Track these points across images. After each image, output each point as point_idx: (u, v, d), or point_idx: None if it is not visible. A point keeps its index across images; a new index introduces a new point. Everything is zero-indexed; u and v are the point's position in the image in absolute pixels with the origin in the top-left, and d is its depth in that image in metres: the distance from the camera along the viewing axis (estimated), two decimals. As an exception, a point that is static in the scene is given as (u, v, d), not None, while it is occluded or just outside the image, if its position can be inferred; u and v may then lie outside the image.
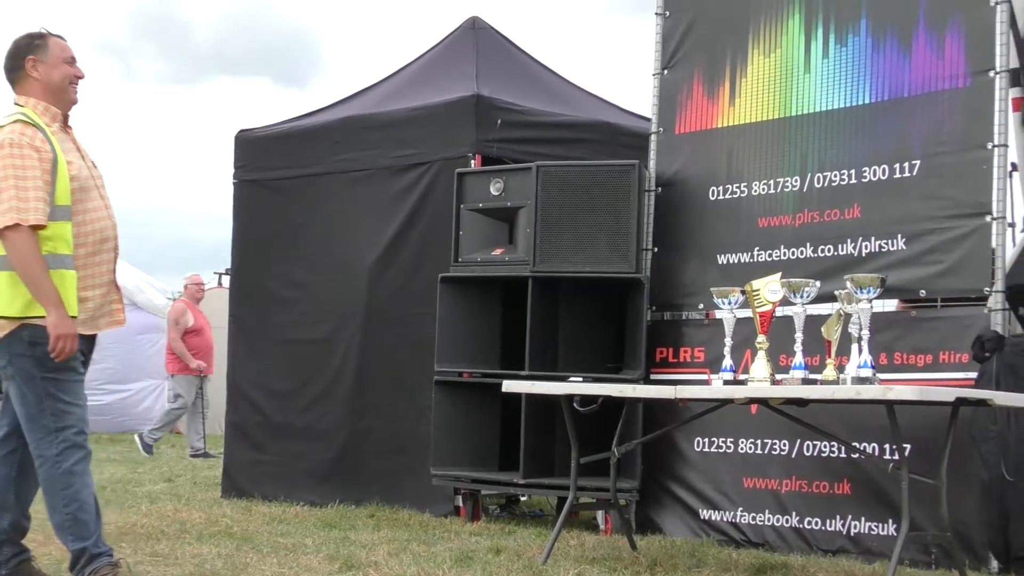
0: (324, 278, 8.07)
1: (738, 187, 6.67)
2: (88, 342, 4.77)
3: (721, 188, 6.74)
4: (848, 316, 5.24)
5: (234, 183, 8.62)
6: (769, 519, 6.27)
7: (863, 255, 6.11)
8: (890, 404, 4.78)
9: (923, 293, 5.92)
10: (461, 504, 7.21)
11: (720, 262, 6.66)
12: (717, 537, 6.40)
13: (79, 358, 4.66)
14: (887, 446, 5.77)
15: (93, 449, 4.85)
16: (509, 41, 8.79)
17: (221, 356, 9.99)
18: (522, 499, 8.23)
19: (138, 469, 10.68)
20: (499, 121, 7.48)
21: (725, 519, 6.44)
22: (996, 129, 5.75)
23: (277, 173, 8.37)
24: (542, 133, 7.69)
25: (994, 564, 5.50)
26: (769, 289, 5.32)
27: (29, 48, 4.79)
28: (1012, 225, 6.10)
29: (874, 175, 6.16)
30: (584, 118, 8.08)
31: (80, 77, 4.86)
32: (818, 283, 5.33)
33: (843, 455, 5.99)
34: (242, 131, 8.65)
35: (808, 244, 6.33)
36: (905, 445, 5.04)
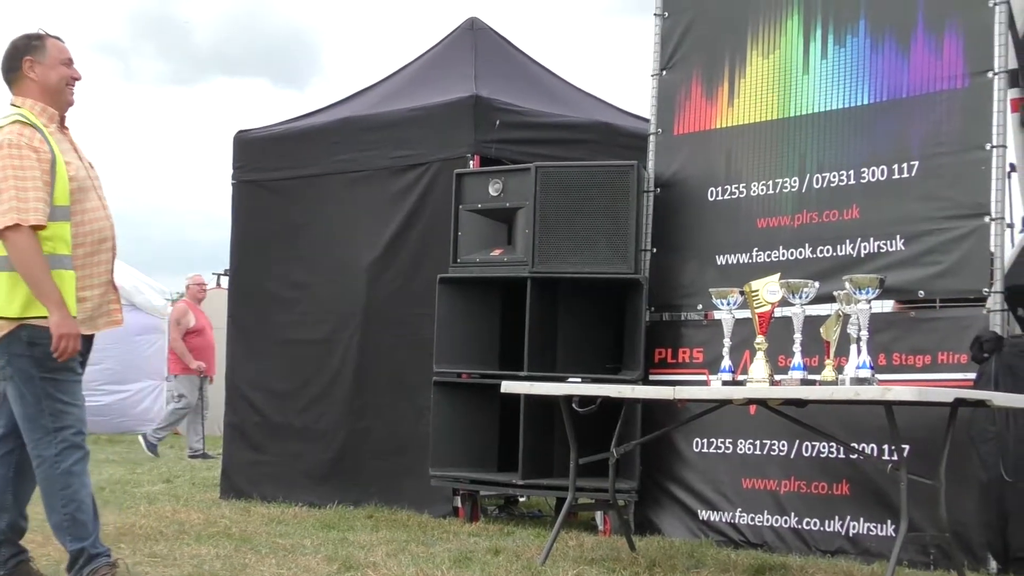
0: (323, 279, 8.07)
1: (737, 188, 6.67)
2: (86, 342, 4.77)
3: (720, 189, 6.74)
4: (847, 317, 5.24)
5: (233, 184, 8.62)
6: (768, 520, 6.27)
7: (862, 256, 6.11)
8: (889, 405, 4.78)
9: (922, 294, 5.92)
10: (460, 505, 7.21)
11: (719, 263, 6.66)
12: (716, 538, 6.40)
13: (77, 358, 4.67)
14: (886, 447, 5.77)
15: (92, 450, 4.86)
16: (508, 42, 8.79)
17: (221, 357, 9.99)
18: (521, 500, 8.23)
19: (137, 470, 10.68)
20: (498, 122, 7.48)
21: (724, 520, 6.44)
22: (995, 130, 5.75)
23: (276, 174, 8.37)
24: (541, 134, 7.70)
25: (993, 565, 5.50)
26: (768, 290, 5.32)
27: (26, 49, 4.79)
28: (1011, 226, 6.11)
29: (873, 176, 6.16)
30: (583, 119, 8.08)
31: (77, 79, 4.87)
32: (817, 284, 5.33)
33: (842, 456, 5.99)
34: (241, 132, 8.65)
35: (807, 245, 6.33)
36: (904, 446, 5.04)
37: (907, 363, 5.90)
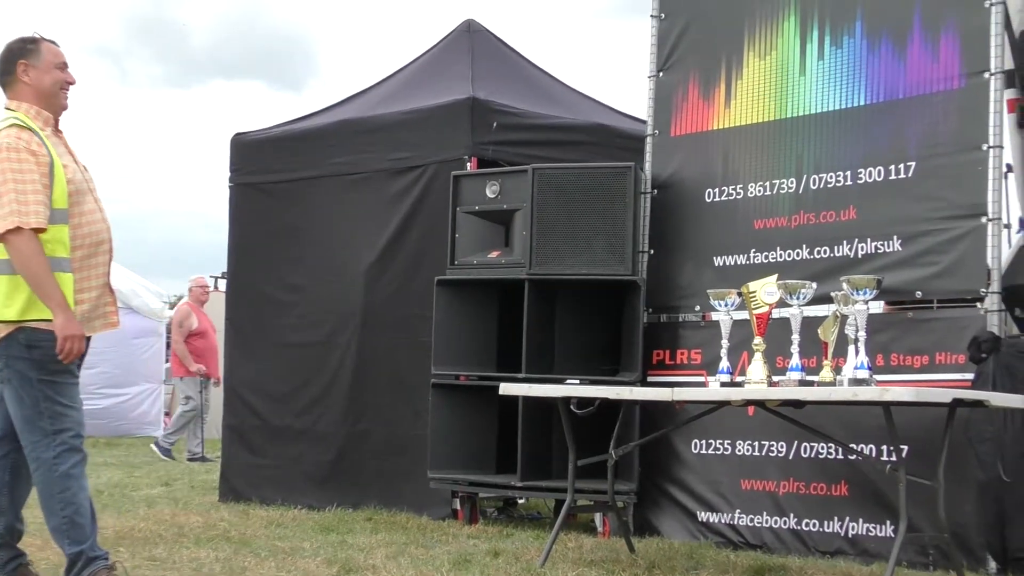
0: (321, 281, 8.07)
1: (734, 189, 6.68)
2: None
3: (717, 190, 6.75)
4: (844, 318, 5.24)
5: (230, 186, 8.63)
6: (767, 521, 6.27)
7: (859, 256, 6.12)
8: (887, 405, 4.79)
9: (919, 294, 5.92)
10: (459, 507, 7.21)
11: (716, 264, 6.67)
12: (715, 539, 6.40)
13: (76, 361, 4.67)
14: (884, 447, 5.78)
15: (90, 453, 4.85)
16: (504, 44, 8.79)
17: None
18: (520, 502, 8.23)
19: (135, 473, 10.67)
20: (495, 124, 7.49)
21: (723, 521, 6.44)
22: (991, 130, 5.76)
23: (273, 176, 8.37)
24: (538, 135, 7.70)
25: (992, 565, 5.51)
26: (765, 291, 5.32)
27: (21, 52, 4.79)
28: (1008, 226, 6.12)
29: (870, 177, 6.17)
30: (580, 120, 8.08)
31: (71, 83, 4.86)
32: (814, 285, 5.34)
33: (840, 457, 5.99)
34: (238, 134, 8.65)
35: (804, 246, 6.33)
36: (902, 446, 5.05)
37: (905, 364, 5.90)
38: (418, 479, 7.20)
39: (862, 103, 6.24)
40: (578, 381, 6.34)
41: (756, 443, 6.36)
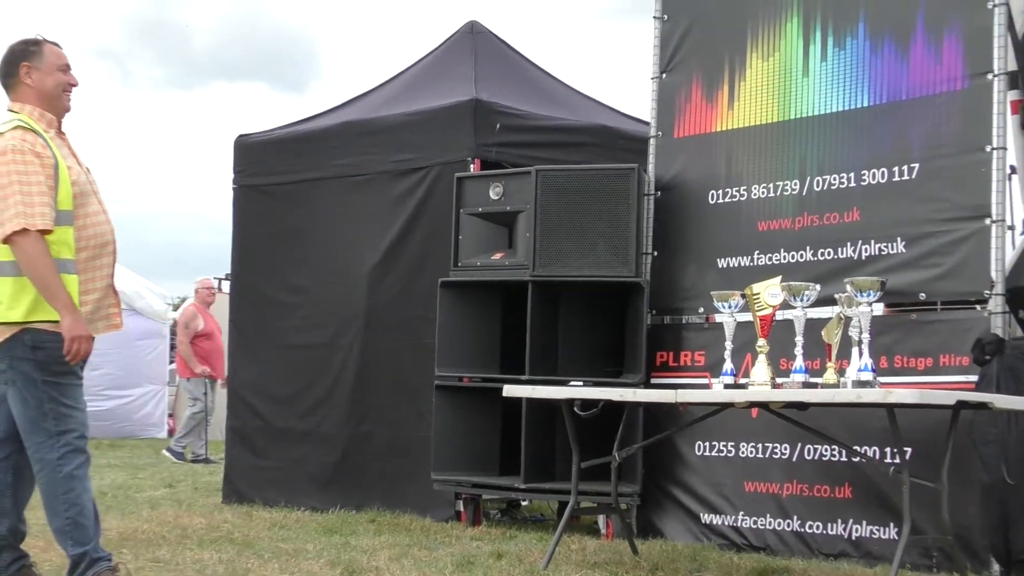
0: (324, 283, 8.07)
1: (737, 191, 6.67)
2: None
3: (720, 192, 6.74)
4: (848, 319, 5.24)
5: (233, 188, 8.63)
6: (770, 523, 6.26)
7: (863, 258, 6.11)
8: (891, 407, 4.78)
9: (923, 296, 5.92)
10: (462, 509, 7.21)
11: (720, 266, 6.66)
12: (718, 541, 6.39)
13: (80, 362, 4.67)
14: (888, 449, 5.77)
15: (93, 455, 4.85)
16: (507, 45, 8.80)
17: (228, 361, 10.00)
18: (523, 504, 8.22)
19: (138, 475, 10.68)
20: (498, 125, 7.49)
21: (726, 523, 6.43)
22: (995, 132, 5.75)
23: (276, 178, 8.38)
24: (541, 137, 7.70)
25: (995, 568, 5.50)
26: (769, 293, 5.32)
27: (24, 55, 4.79)
28: (1011, 228, 6.10)
29: (873, 178, 6.16)
30: (583, 122, 8.08)
31: (74, 85, 4.87)
32: (818, 287, 5.33)
33: (844, 459, 5.98)
34: (241, 136, 8.66)
35: (808, 247, 6.33)
36: (906, 448, 5.04)
37: (909, 366, 5.89)
38: (421, 481, 7.20)
39: (865, 104, 6.24)
40: (582, 383, 6.33)
41: (760, 445, 6.36)
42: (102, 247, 4.79)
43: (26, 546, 4.92)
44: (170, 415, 17.71)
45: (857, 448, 5.66)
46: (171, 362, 18.14)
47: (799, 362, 5.17)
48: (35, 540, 5.30)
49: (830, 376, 5.14)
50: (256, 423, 8.35)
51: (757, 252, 6.53)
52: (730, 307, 5.55)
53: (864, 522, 5.92)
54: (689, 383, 6.58)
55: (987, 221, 5.72)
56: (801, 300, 5.21)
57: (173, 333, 18.64)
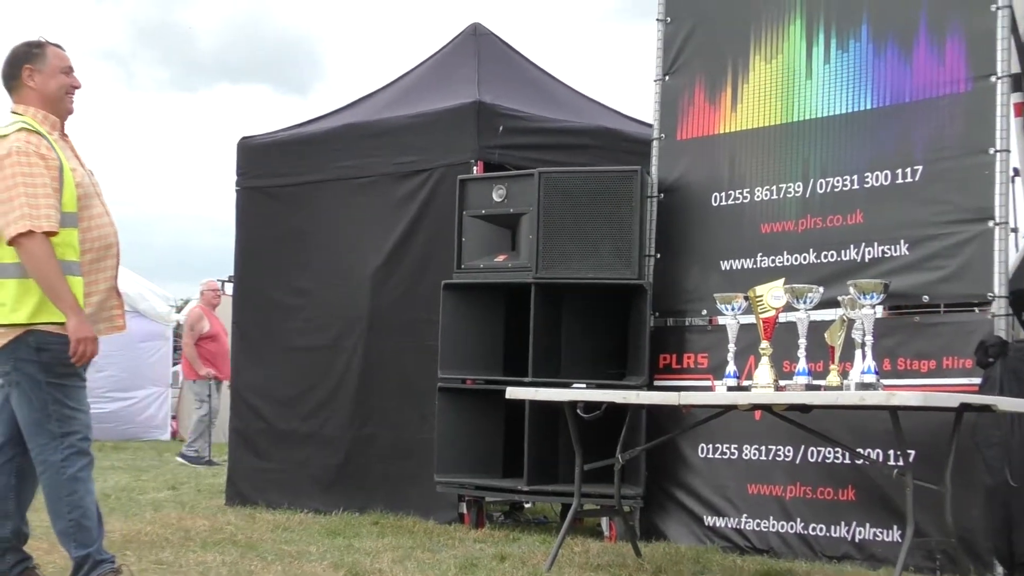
0: (327, 285, 8.07)
1: (740, 193, 6.67)
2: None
3: (723, 194, 6.74)
4: (851, 322, 5.24)
5: (236, 190, 8.63)
6: (773, 525, 6.26)
7: (866, 260, 6.11)
8: (894, 410, 4.78)
9: (926, 298, 5.91)
10: (465, 511, 7.21)
11: (723, 268, 6.66)
12: (721, 543, 6.39)
13: (83, 364, 4.67)
14: (891, 452, 5.76)
15: (96, 457, 4.86)
16: (510, 47, 8.80)
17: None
18: (526, 506, 8.22)
19: (142, 477, 10.68)
20: (501, 127, 7.49)
21: (729, 525, 6.43)
22: (998, 134, 5.75)
23: (279, 180, 8.38)
24: (544, 139, 7.70)
25: (999, 570, 5.49)
26: (772, 295, 5.32)
27: (26, 57, 4.80)
28: (1015, 230, 6.11)
29: (876, 180, 6.16)
30: (586, 124, 8.08)
31: (77, 87, 4.87)
32: (821, 289, 5.33)
33: (847, 461, 5.98)
34: (244, 138, 8.66)
35: (811, 250, 6.33)
36: (909, 451, 5.04)
37: (912, 368, 5.89)
38: (424, 483, 7.20)
39: (868, 107, 6.24)
40: (585, 385, 6.33)
41: (763, 447, 6.35)
42: (106, 249, 4.79)
43: (29, 548, 4.93)
44: (173, 417, 17.71)
45: (860, 450, 5.65)
46: (175, 364, 18.14)
47: (802, 364, 5.17)
48: (38, 542, 5.30)
49: (833, 378, 5.14)
50: (259, 425, 8.35)
51: (760, 254, 6.52)
52: (733, 309, 5.55)
53: (867, 524, 5.92)
54: (692, 385, 6.58)
55: (990, 223, 5.71)
56: (804, 302, 5.21)
57: (176, 335, 18.66)
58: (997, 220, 5.70)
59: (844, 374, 5.20)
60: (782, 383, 5.35)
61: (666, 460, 6.70)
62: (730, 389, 5.46)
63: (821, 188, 6.35)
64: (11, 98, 4.83)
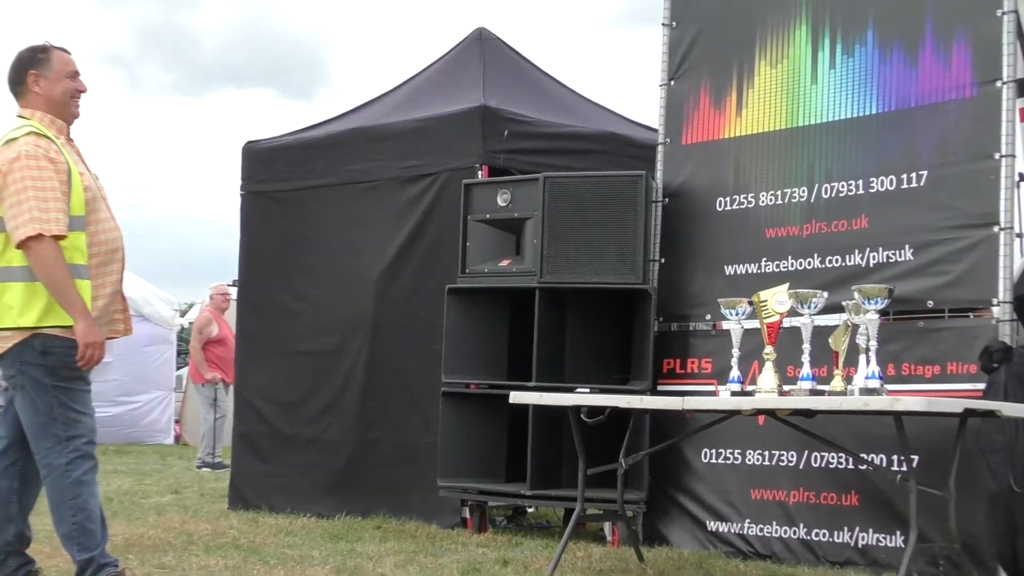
0: (331, 289, 8.07)
1: (745, 198, 6.67)
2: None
3: (728, 199, 6.74)
4: (855, 327, 5.23)
5: (241, 194, 8.64)
6: (777, 531, 6.25)
7: (870, 266, 6.10)
8: (898, 415, 4.77)
9: (931, 304, 5.90)
10: (468, 515, 7.20)
11: (727, 273, 6.66)
12: (724, 549, 6.38)
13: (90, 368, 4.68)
14: (895, 457, 5.75)
15: (100, 461, 4.86)
16: (516, 52, 8.80)
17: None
18: (529, 510, 8.22)
19: (145, 481, 10.70)
20: (506, 132, 7.49)
21: (732, 531, 6.42)
22: (1003, 139, 5.74)
23: (284, 184, 8.39)
24: (549, 144, 7.70)
25: (1003, 576, 5.49)
26: (776, 300, 5.31)
27: (32, 62, 4.81)
28: (1020, 236, 6.09)
29: (881, 185, 6.15)
30: (591, 129, 8.09)
31: (82, 91, 4.88)
32: (825, 294, 5.32)
33: (851, 466, 5.97)
34: (249, 142, 8.67)
35: (815, 255, 6.32)
36: (913, 456, 5.02)
37: (916, 373, 5.88)
38: (427, 487, 7.19)
39: (874, 112, 6.23)
40: (588, 390, 6.32)
41: (766, 452, 6.34)
42: (112, 253, 4.80)
43: (32, 551, 4.93)
44: (176, 421, 17.73)
45: (864, 456, 5.64)
46: (178, 368, 18.17)
47: (806, 369, 5.16)
48: (41, 546, 5.30)
49: (837, 383, 5.13)
50: (263, 429, 8.35)
51: (764, 259, 6.52)
52: (737, 314, 5.54)
53: (871, 530, 5.91)
54: (696, 390, 6.57)
55: (995, 229, 5.70)
56: (808, 307, 5.20)
57: (181, 339, 18.69)
58: (1002, 225, 5.69)
59: (848, 379, 5.19)
60: (786, 388, 5.35)
61: (669, 465, 6.70)
62: (734, 394, 5.45)
63: (826, 193, 6.34)
64: (17, 103, 4.84)
